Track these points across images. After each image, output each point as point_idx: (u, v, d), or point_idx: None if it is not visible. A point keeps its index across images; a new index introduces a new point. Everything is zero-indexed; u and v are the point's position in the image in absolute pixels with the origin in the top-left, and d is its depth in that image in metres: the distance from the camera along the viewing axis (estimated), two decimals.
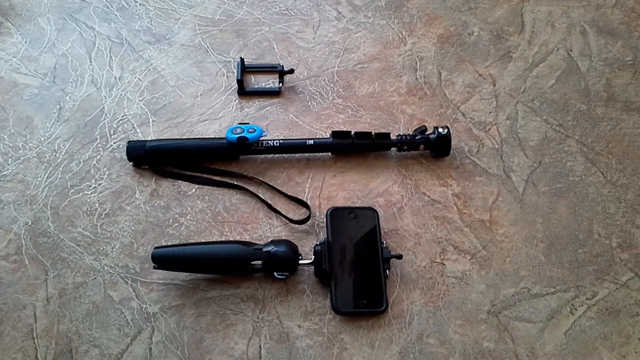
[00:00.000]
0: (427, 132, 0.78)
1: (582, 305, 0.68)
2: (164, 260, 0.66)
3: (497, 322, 0.67)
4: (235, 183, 0.77)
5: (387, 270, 0.68)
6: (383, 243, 0.69)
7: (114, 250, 0.71)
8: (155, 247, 0.67)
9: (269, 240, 0.69)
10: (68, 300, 0.68)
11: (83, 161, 0.78)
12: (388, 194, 0.76)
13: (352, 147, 0.78)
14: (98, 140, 0.80)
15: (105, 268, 0.70)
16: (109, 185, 0.76)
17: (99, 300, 0.68)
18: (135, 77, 0.86)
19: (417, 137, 0.77)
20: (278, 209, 0.74)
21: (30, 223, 0.73)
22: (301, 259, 0.67)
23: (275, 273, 0.67)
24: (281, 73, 0.85)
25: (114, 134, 0.81)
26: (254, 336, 0.66)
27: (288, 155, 0.79)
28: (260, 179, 0.77)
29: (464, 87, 0.86)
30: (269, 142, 0.77)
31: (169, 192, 0.76)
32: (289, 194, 0.75)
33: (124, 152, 0.77)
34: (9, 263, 0.70)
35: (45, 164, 0.78)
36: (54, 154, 0.79)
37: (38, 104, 0.83)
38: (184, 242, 0.71)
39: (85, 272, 0.70)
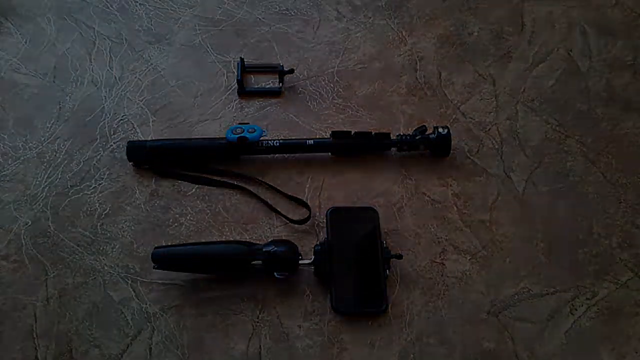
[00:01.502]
0: (427, 132, 0.78)
1: (582, 305, 0.68)
2: (164, 260, 0.66)
3: (497, 322, 0.67)
4: (235, 183, 0.77)
5: (387, 270, 0.68)
6: (383, 243, 0.69)
7: (114, 250, 0.71)
8: (155, 247, 0.67)
9: (269, 240, 0.69)
10: (68, 300, 0.68)
11: (83, 161, 0.78)
12: (388, 194, 0.76)
13: (352, 147, 0.78)
14: (98, 140, 0.80)
15: (105, 268, 0.70)
16: (109, 185, 0.76)
17: (99, 300, 0.68)
18: (135, 77, 0.86)
19: (417, 137, 0.77)
20: (278, 209, 0.74)
21: (30, 223, 0.73)
22: (301, 259, 0.67)
23: (275, 273, 0.67)
24: (281, 73, 0.85)
25: (114, 134, 0.81)
26: (254, 336, 0.66)
27: (288, 155, 0.79)
28: (260, 179, 0.77)
29: (464, 87, 0.86)
30: (269, 142, 0.77)
31: (169, 192, 0.76)
32: (289, 194, 0.75)
33: (124, 152, 0.77)
34: (9, 263, 0.70)
35: (45, 164, 0.78)
36: (54, 154, 0.79)
37: (38, 104, 0.83)
38: (184, 242, 0.71)
39: (85, 272, 0.70)
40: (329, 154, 0.79)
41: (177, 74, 0.87)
